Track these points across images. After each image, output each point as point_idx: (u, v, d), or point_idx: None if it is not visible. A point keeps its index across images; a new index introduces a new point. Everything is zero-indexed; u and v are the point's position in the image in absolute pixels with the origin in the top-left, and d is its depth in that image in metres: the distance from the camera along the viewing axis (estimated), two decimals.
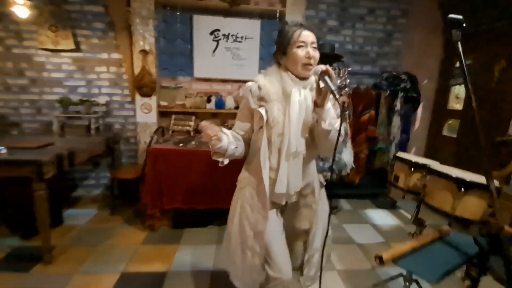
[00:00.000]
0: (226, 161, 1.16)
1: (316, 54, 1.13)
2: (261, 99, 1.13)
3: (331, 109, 1.11)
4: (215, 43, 3.17)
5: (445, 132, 3.39)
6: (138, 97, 3.02)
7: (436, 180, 1.26)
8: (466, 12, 3.01)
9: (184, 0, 2.98)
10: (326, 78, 1.01)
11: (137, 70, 2.95)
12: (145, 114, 3.06)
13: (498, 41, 2.67)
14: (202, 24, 3.11)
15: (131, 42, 2.95)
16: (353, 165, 2.80)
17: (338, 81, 2.58)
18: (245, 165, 1.30)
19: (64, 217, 2.77)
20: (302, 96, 1.13)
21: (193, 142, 2.69)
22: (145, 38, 2.92)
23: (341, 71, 2.61)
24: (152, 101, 3.05)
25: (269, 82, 1.14)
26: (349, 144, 2.74)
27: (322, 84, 1.04)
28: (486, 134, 2.81)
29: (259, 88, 1.13)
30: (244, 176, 1.27)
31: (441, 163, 1.49)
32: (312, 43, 1.12)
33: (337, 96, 0.99)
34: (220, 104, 3.18)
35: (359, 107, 3.16)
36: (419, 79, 3.29)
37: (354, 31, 3.44)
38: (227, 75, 3.27)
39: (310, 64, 1.11)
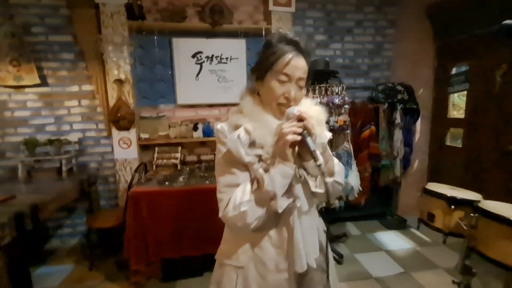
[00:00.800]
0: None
1: (299, 95, 0.84)
2: (252, 144, 0.81)
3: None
4: (198, 66, 2.93)
5: (448, 142, 3.21)
6: (115, 131, 2.69)
7: (489, 223, 1.00)
8: (456, 18, 2.92)
9: (161, 23, 2.75)
10: (304, 134, 0.74)
11: (112, 102, 2.65)
12: (124, 149, 2.73)
13: (497, 46, 2.55)
14: (183, 47, 2.87)
15: (105, 72, 2.66)
16: (360, 188, 2.54)
17: (337, 100, 2.37)
18: (237, 236, 0.92)
19: (34, 278, 2.33)
20: None
21: (181, 178, 2.38)
22: (120, 66, 2.64)
23: (339, 88, 2.40)
24: (131, 134, 2.73)
25: (254, 121, 0.83)
26: (354, 165, 2.49)
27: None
28: (494, 143, 2.63)
29: (247, 132, 0.81)
30: (242, 251, 0.90)
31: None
32: (300, 79, 0.82)
33: (318, 162, 0.71)
34: (208, 131, 2.89)
35: (357, 124, 2.94)
36: (414, 89, 3.14)
37: (343, 44, 3.29)
38: (214, 99, 3.01)
39: (286, 106, 0.83)
